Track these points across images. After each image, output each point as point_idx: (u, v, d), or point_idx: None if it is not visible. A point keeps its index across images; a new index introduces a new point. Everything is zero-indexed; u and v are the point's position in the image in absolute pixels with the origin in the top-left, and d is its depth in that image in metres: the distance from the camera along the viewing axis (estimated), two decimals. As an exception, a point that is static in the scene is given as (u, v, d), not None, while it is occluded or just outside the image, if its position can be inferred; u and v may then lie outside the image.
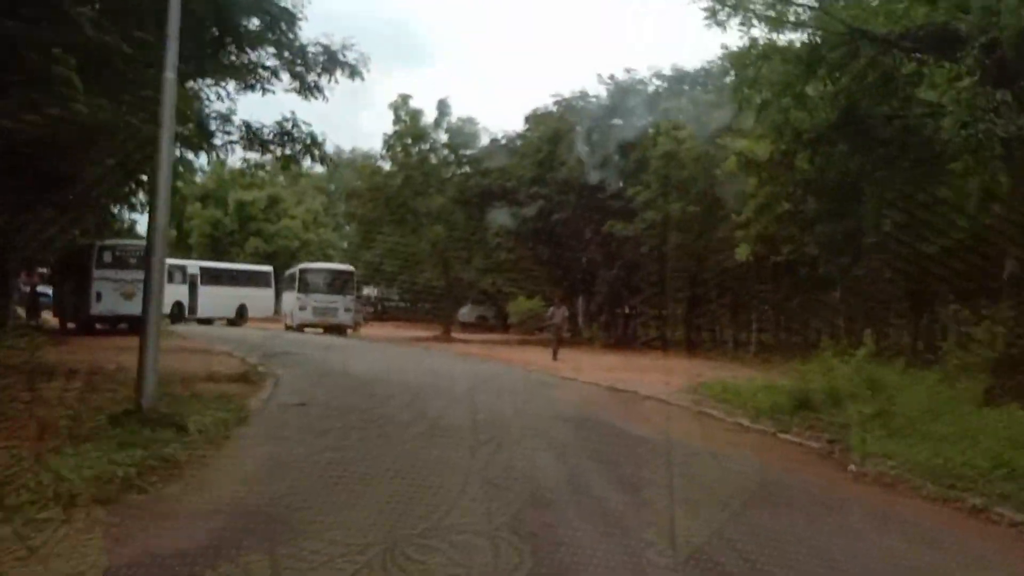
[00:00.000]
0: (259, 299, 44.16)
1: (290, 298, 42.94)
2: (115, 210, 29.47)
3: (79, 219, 28.08)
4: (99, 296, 29.09)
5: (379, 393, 16.13)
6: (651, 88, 36.03)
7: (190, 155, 22.15)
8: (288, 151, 20.02)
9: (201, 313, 40.29)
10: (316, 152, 20.33)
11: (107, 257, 29.41)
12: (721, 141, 25.13)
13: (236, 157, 22.87)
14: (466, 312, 58.58)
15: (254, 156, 21.01)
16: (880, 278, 23.17)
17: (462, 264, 41.68)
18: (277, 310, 45.56)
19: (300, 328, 40.39)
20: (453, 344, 36.19)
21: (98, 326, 29.59)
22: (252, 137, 19.86)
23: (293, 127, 19.79)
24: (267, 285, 45.64)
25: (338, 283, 41.68)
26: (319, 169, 67.21)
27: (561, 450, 10.53)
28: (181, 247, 62.94)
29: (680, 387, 17.87)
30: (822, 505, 8.40)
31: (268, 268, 47.58)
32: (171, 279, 38.87)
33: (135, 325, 29.49)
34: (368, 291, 75.08)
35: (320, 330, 39.87)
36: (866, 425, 12.35)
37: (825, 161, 18.81)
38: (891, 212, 19.07)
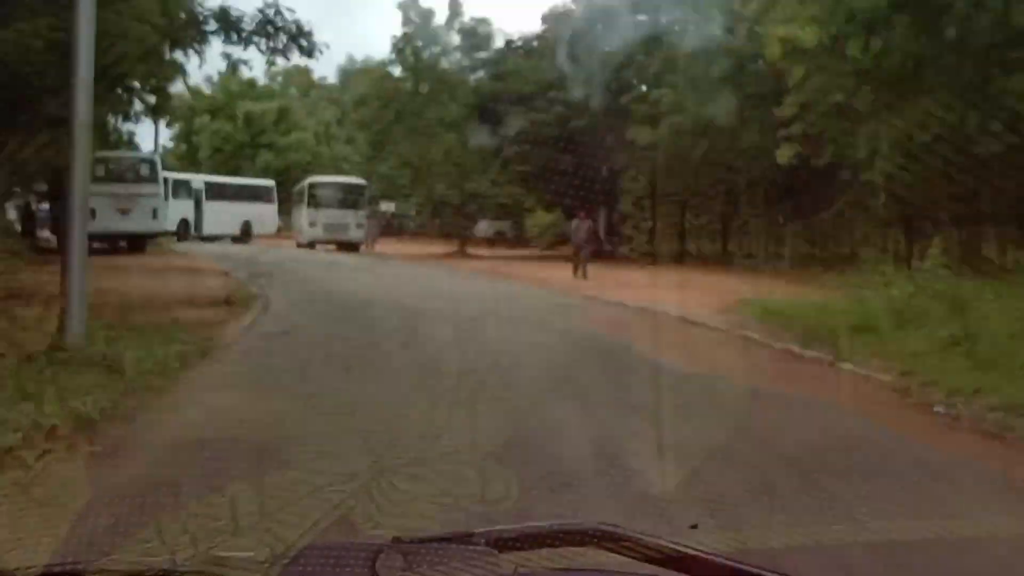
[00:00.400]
0: (263, 215, 42.27)
1: (300, 214, 41.09)
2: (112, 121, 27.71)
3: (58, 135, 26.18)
4: (92, 212, 27.15)
5: (377, 318, 14.29)
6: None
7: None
8: (272, 44, 17.67)
9: (206, 230, 38.44)
10: (304, 44, 18.09)
11: (99, 171, 27.40)
12: (760, 29, 22.54)
13: (215, 52, 20.52)
14: (483, 227, 56.41)
15: (235, 51, 18.61)
16: (936, 183, 20.83)
17: (478, 176, 39.46)
18: (283, 226, 43.74)
19: (311, 245, 38.59)
20: (469, 261, 34.27)
21: (95, 245, 27.91)
22: (230, 27, 17.58)
23: (276, 15, 17.52)
24: (270, 201, 43.73)
25: (349, 198, 39.71)
26: (331, 80, 65.04)
27: (583, 394, 8.65)
28: (191, 162, 61.16)
29: (716, 307, 15.88)
30: (927, 471, 6.39)
31: (271, 183, 45.61)
32: (176, 194, 37.05)
33: (137, 242, 28.28)
34: (384, 207, 73.46)
35: (332, 247, 38.07)
36: (945, 353, 10.37)
37: (882, 46, 16.40)
38: (958, 105, 16.67)
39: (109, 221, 27.27)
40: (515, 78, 35.26)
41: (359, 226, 39.43)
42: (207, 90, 66.03)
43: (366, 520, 4.39)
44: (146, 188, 27.86)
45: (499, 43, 37.72)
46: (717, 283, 21.30)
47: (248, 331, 12.65)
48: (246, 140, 62.72)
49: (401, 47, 36.97)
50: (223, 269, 21.73)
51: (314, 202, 39.27)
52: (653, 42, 31.26)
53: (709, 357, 11.34)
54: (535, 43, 36.55)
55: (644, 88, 32.31)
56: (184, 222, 37.64)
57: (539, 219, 49.91)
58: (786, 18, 18.86)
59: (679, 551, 1.43)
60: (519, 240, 55.05)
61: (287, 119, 64.71)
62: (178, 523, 4.13)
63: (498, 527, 1.45)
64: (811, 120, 21.39)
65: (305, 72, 74.24)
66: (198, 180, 41.34)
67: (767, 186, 30.01)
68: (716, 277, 24.02)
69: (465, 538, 1.42)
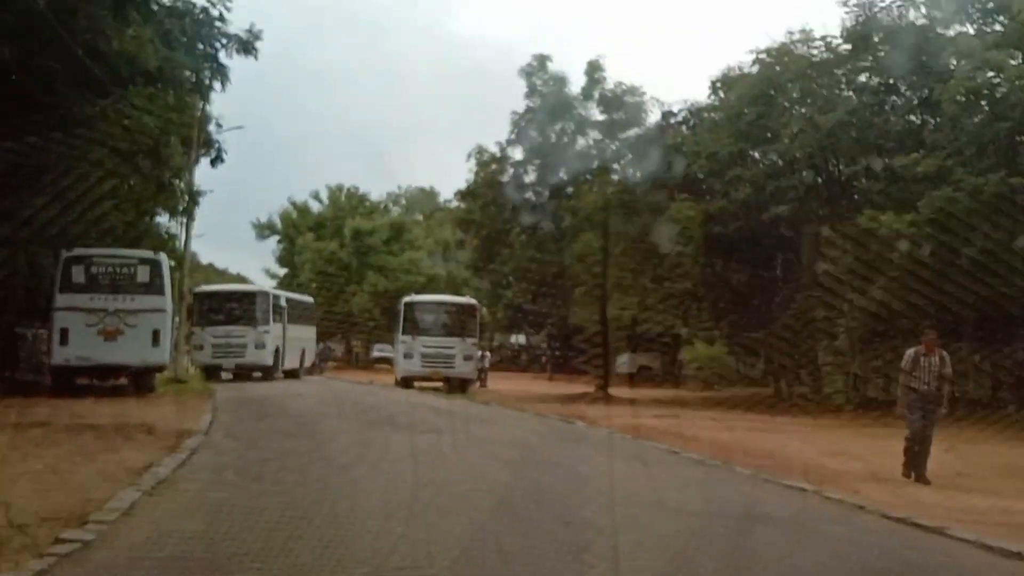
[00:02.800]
0: (306, 342, 33.29)
1: (396, 344, 32.03)
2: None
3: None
4: (64, 336, 18.42)
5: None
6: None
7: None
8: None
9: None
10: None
11: (77, 274, 18.76)
12: None
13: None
14: (625, 361, 46.35)
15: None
16: None
17: (620, 296, 29.59)
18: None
19: (405, 383, 29.25)
20: (614, 407, 24.10)
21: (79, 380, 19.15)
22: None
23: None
24: (310, 321, 34.94)
25: (456, 322, 30.42)
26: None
27: None
28: (291, 287, 53.62)
29: None
30: None
31: (308, 298, 36.96)
32: (267, 316, 28.22)
33: (143, 381, 19.27)
34: (513, 339, 64.10)
35: (436, 384, 28.81)
36: None
37: None
38: None
39: (87, 347, 18.43)
40: (677, 158, 25.57)
41: (467, 358, 29.93)
42: (313, 206, 59.53)
43: None
44: (145, 301, 19.01)
45: (654, 117, 28.32)
46: None
47: None
48: (353, 261, 54.88)
49: (522, 123, 27.97)
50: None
51: (411, 327, 30.13)
52: (890, 94, 21.20)
53: None
54: (706, 114, 26.92)
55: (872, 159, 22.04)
56: (276, 352, 28.79)
57: (697, 352, 40.14)
58: None
59: None
60: (668, 378, 45.01)
61: (401, 238, 56.85)
62: None
63: None
64: None
65: (430, 194, 67.34)
66: (279, 293, 32.70)
67: None
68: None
69: None
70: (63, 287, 18.50)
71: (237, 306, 28.71)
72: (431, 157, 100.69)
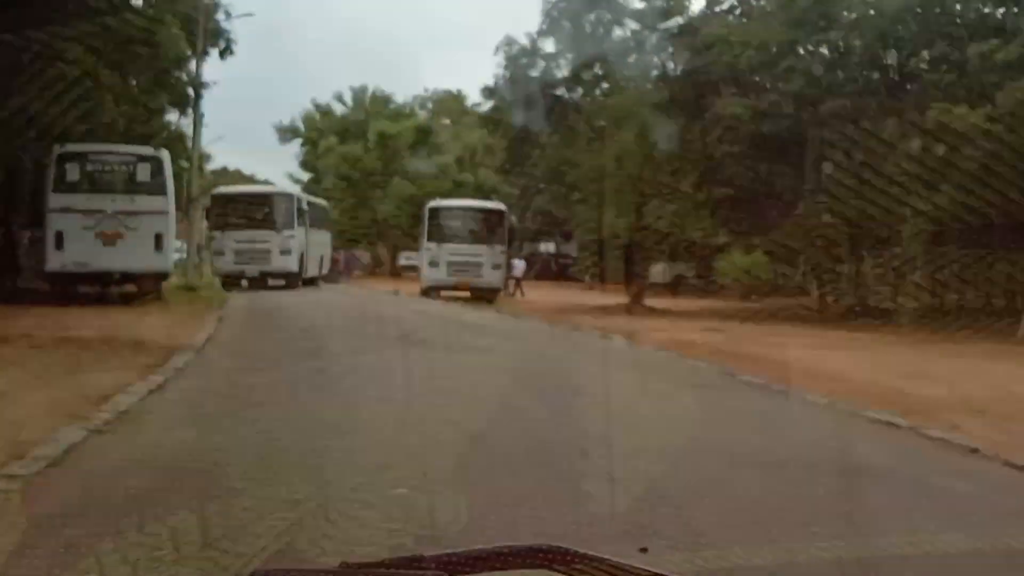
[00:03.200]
0: (323, 248, 31.84)
1: (420, 251, 30.56)
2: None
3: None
4: (59, 239, 17.07)
5: None
6: None
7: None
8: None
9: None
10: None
11: (71, 173, 17.29)
12: None
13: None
14: (660, 271, 44.30)
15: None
16: None
17: (659, 202, 27.72)
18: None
19: (432, 293, 27.87)
20: (649, 320, 22.58)
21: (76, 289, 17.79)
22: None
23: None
24: (327, 227, 33.65)
25: (483, 228, 28.86)
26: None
27: None
28: (315, 193, 51.96)
29: None
30: None
31: (324, 202, 35.36)
32: (291, 220, 26.76)
33: (145, 284, 17.97)
34: (543, 247, 62.31)
35: (464, 293, 27.64)
36: None
37: None
38: None
39: (86, 253, 17.09)
40: (723, 48, 23.40)
41: (495, 267, 28.41)
42: (337, 109, 57.49)
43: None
44: (146, 202, 17.56)
45: (698, 4, 26.06)
46: None
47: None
48: (378, 166, 53.01)
49: (554, 12, 25.80)
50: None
51: (436, 233, 28.60)
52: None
53: None
54: (754, 1, 24.62)
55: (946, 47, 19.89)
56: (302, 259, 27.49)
57: (733, 261, 38.23)
58: None
59: (630, 571, 1.39)
60: (705, 288, 43.27)
61: (427, 142, 54.83)
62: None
63: (447, 550, 1.39)
64: None
65: (458, 98, 64.91)
66: (301, 195, 31.30)
67: None
68: None
69: (414, 563, 1.40)
70: (56, 186, 17.08)
71: (260, 209, 27.19)
72: (457, 63, 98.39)
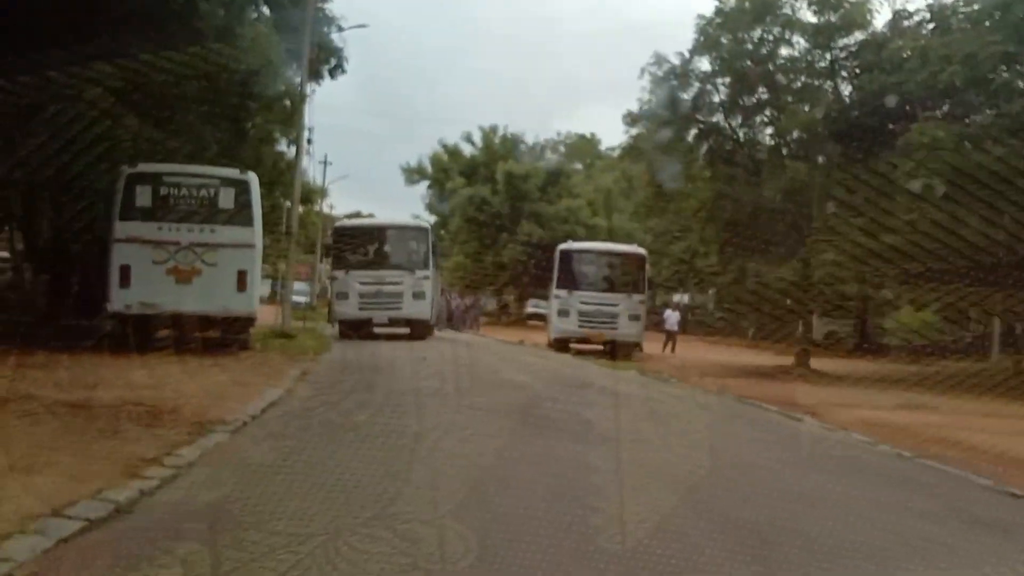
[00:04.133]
0: (436, 291, 27.16)
1: (550, 300, 27.34)
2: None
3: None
4: (124, 275, 14.44)
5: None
6: None
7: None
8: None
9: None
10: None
11: (142, 197, 14.66)
12: None
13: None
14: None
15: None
16: None
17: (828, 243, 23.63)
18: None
19: (559, 346, 24.65)
20: (825, 388, 18.60)
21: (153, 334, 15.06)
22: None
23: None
24: (439, 268, 29.42)
25: (621, 274, 25.56)
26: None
27: None
28: (442, 235, 49.71)
29: None
30: None
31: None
32: (427, 259, 23.40)
33: (232, 334, 15.24)
34: (678, 298, 58.27)
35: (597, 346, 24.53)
36: None
37: None
38: None
39: (155, 291, 14.41)
40: (919, 67, 19.46)
41: (634, 318, 24.92)
42: (466, 150, 55.24)
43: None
44: (229, 233, 14.82)
45: (883, 17, 22.22)
46: None
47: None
48: (506, 209, 50.37)
49: (709, 28, 22.29)
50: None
51: (568, 279, 25.36)
52: None
53: None
54: (958, 8, 20.55)
55: None
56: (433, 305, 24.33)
57: (905, 319, 33.75)
58: None
59: None
60: (861, 346, 38.58)
61: (558, 184, 51.97)
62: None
63: None
64: None
65: (590, 142, 62.21)
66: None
67: None
68: None
69: None
70: (124, 213, 14.47)
71: (390, 245, 23.65)
72: (586, 115, 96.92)
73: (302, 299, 48.97)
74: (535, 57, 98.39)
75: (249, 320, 15.48)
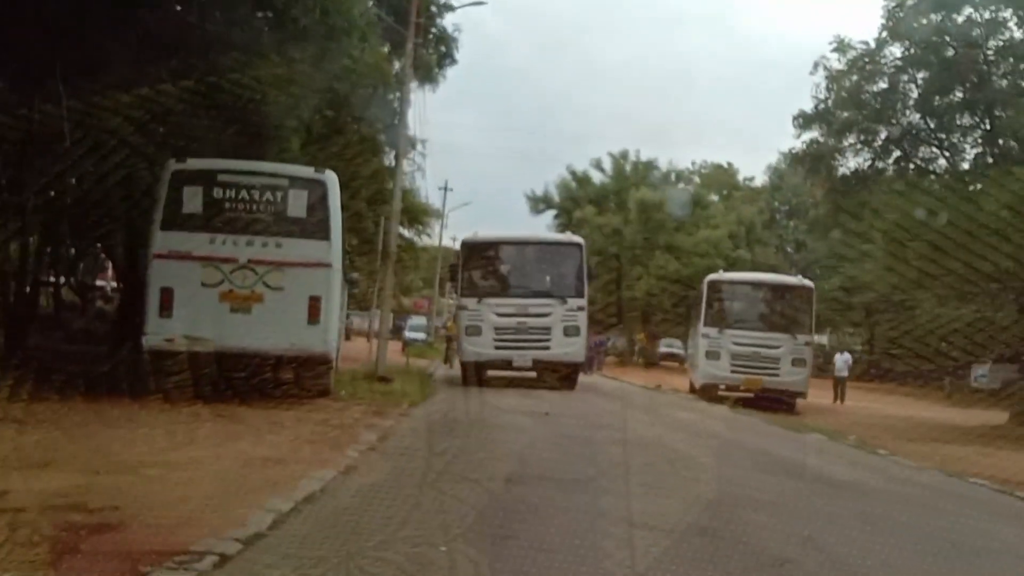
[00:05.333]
0: None
1: (695, 338, 23.54)
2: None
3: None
4: (165, 300, 11.23)
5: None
6: None
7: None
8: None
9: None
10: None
11: (191, 201, 11.44)
12: None
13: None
14: (984, 373, 34.57)
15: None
16: None
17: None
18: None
19: (705, 393, 20.71)
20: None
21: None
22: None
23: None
24: None
25: (782, 310, 21.49)
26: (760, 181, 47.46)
27: None
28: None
29: None
30: None
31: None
32: (579, 285, 19.03)
33: (304, 377, 11.96)
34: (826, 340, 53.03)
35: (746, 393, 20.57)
36: None
37: None
38: None
39: (203, 324, 11.15)
40: None
41: (798, 362, 20.74)
42: (595, 177, 51.72)
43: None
44: (300, 248, 11.51)
45: None
46: None
47: None
48: (639, 240, 46.54)
49: (901, 14, 18.11)
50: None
51: (717, 315, 21.55)
52: None
53: None
54: None
55: None
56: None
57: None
58: None
59: None
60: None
61: (695, 213, 47.94)
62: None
63: None
64: None
65: (728, 171, 58.13)
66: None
67: None
68: None
69: None
70: (167, 221, 11.31)
71: (536, 265, 19.32)
72: (720, 151, 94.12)
73: (419, 335, 46.19)
74: (664, 96, 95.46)
75: (323, 361, 12.05)
